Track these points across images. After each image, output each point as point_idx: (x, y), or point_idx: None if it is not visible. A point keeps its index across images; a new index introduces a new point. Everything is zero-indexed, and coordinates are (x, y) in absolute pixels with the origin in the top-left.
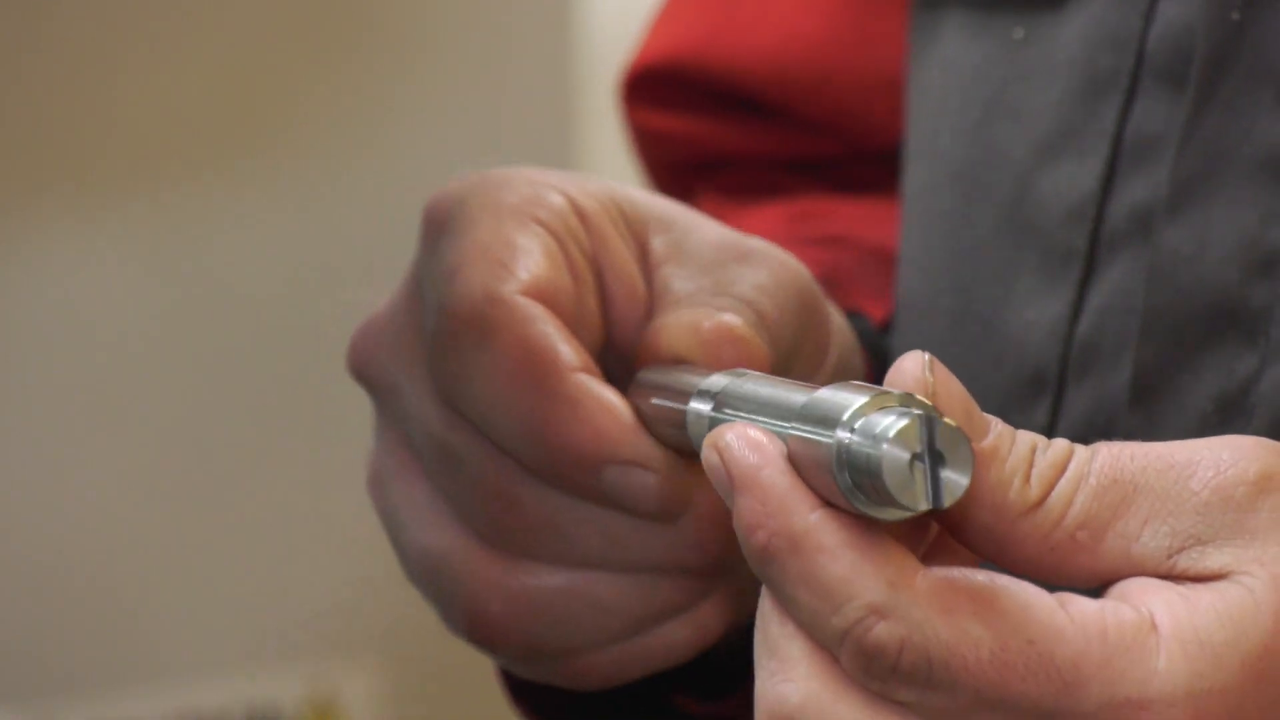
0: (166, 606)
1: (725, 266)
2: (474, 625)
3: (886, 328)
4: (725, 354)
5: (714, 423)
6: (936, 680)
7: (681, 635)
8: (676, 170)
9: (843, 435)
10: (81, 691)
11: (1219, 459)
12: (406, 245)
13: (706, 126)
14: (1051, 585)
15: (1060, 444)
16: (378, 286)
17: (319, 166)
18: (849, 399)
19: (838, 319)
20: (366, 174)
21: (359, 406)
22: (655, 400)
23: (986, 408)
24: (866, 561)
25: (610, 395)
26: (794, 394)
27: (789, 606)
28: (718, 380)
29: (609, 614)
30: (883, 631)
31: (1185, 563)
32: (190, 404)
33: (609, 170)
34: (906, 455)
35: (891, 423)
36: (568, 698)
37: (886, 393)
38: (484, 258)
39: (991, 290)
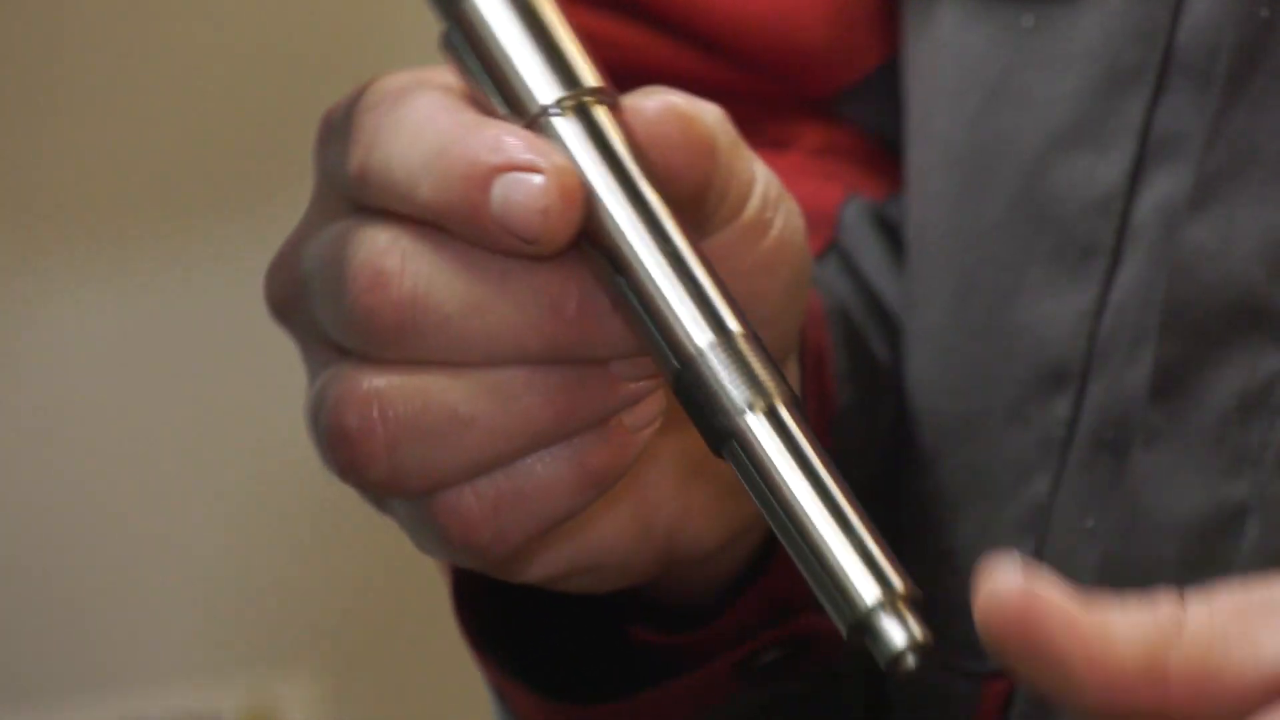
0: (107, 616)
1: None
2: (334, 446)
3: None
4: (669, 134)
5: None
6: None
7: (562, 477)
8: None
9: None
10: (22, 701)
11: None
12: None
13: (635, 35)
14: None
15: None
16: None
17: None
18: (862, 597)
19: (762, 170)
20: None
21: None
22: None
23: (997, 400)
24: None
25: (513, 125)
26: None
27: None
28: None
29: (466, 425)
30: None
31: None
32: (136, 420)
33: None
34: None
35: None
36: (521, 632)
37: (892, 588)
38: (404, 75)
39: (998, 278)
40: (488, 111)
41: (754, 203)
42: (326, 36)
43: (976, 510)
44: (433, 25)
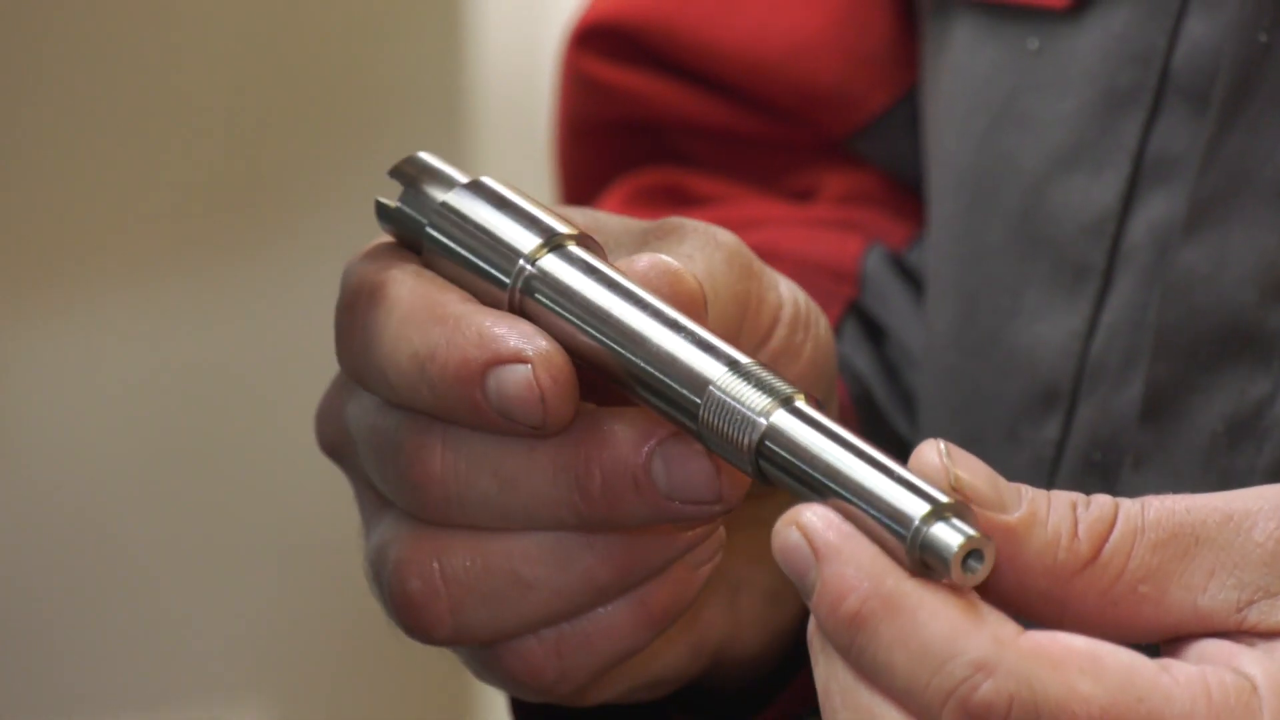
0: (57, 649)
1: (648, 242)
2: (400, 610)
3: (836, 337)
4: (659, 291)
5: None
6: None
7: (624, 620)
8: (611, 130)
9: (914, 541)
10: None
11: (1279, 509)
12: None
13: (659, 87)
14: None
15: (1103, 499)
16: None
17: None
18: (909, 509)
19: (790, 292)
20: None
21: (259, 454)
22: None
23: (994, 419)
24: (968, 619)
25: (493, 310)
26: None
27: (880, 675)
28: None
29: (529, 587)
30: (990, 689)
31: (1256, 616)
32: (110, 462)
33: None
34: (961, 559)
35: (951, 540)
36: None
37: (939, 501)
38: (370, 250)
39: (999, 300)
40: (467, 287)
41: (780, 332)
42: (340, 53)
43: None
44: (430, 27)
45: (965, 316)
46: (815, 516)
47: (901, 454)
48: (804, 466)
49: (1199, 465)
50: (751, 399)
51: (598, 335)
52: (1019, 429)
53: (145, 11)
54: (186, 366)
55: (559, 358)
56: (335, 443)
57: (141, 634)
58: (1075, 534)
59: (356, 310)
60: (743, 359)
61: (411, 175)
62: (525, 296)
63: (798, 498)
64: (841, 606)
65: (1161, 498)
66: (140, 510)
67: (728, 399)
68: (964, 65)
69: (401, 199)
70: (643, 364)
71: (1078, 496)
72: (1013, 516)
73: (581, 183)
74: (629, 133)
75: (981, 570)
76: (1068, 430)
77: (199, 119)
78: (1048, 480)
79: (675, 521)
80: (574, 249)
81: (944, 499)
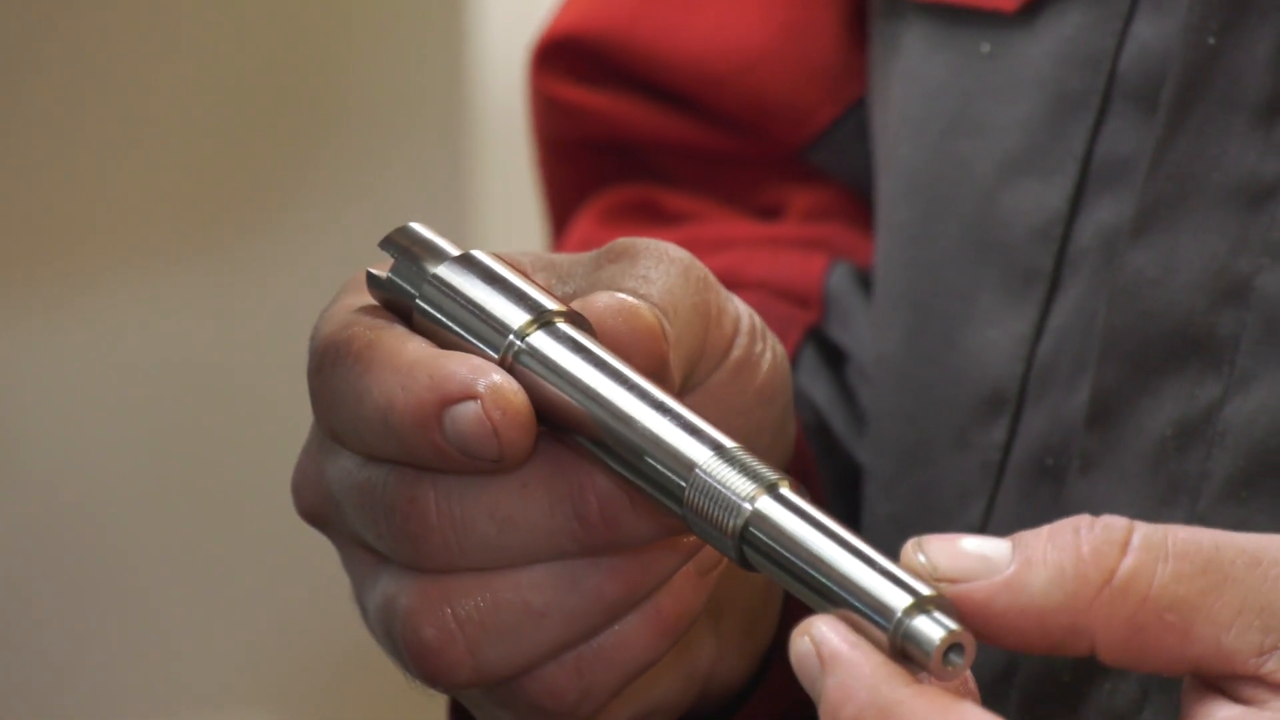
0: (66, 659)
1: (601, 268)
2: (418, 660)
3: (793, 366)
4: (618, 329)
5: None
6: None
7: (639, 632)
8: (583, 148)
9: (895, 635)
10: None
11: None
12: None
13: (616, 104)
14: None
15: (1113, 520)
16: None
17: (292, 243)
18: (891, 602)
19: (744, 307)
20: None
21: (257, 467)
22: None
23: (945, 425)
24: None
25: (443, 351)
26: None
27: None
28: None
29: (542, 615)
30: None
31: (1273, 665)
32: (109, 463)
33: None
34: (943, 653)
35: (933, 634)
36: None
37: (921, 595)
38: (335, 308)
39: (951, 306)
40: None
41: (741, 340)
42: (329, 47)
43: (922, 534)
44: (431, 27)
45: (918, 323)
46: (825, 627)
47: (855, 477)
48: (787, 554)
49: (1148, 470)
50: (736, 484)
51: (583, 413)
52: (968, 434)
53: (143, 6)
54: (184, 363)
55: (507, 388)
56: (316, 507)
57: (142, 641)
58: (1080, 556)
59: (324, 372)
60: (728, 443)
61: (403, 246)
62: (515, 371)
63: (780, 584)
64: (840, 715)
65: (1185, 528)
66: (139, 515)
67: (713, 482)
68: (917, 70)
69: (393, 270)
70: (628, 445)
71: (1083, 518)
72: (1007, 573)
73: (562, 199)
74: (599, 151)
75: (962, 664)
76: (1014, 434)
77: (196, 111)
78: (993, 484)
79: (675, 534)
80: (562, 326)
81: (926, 591)
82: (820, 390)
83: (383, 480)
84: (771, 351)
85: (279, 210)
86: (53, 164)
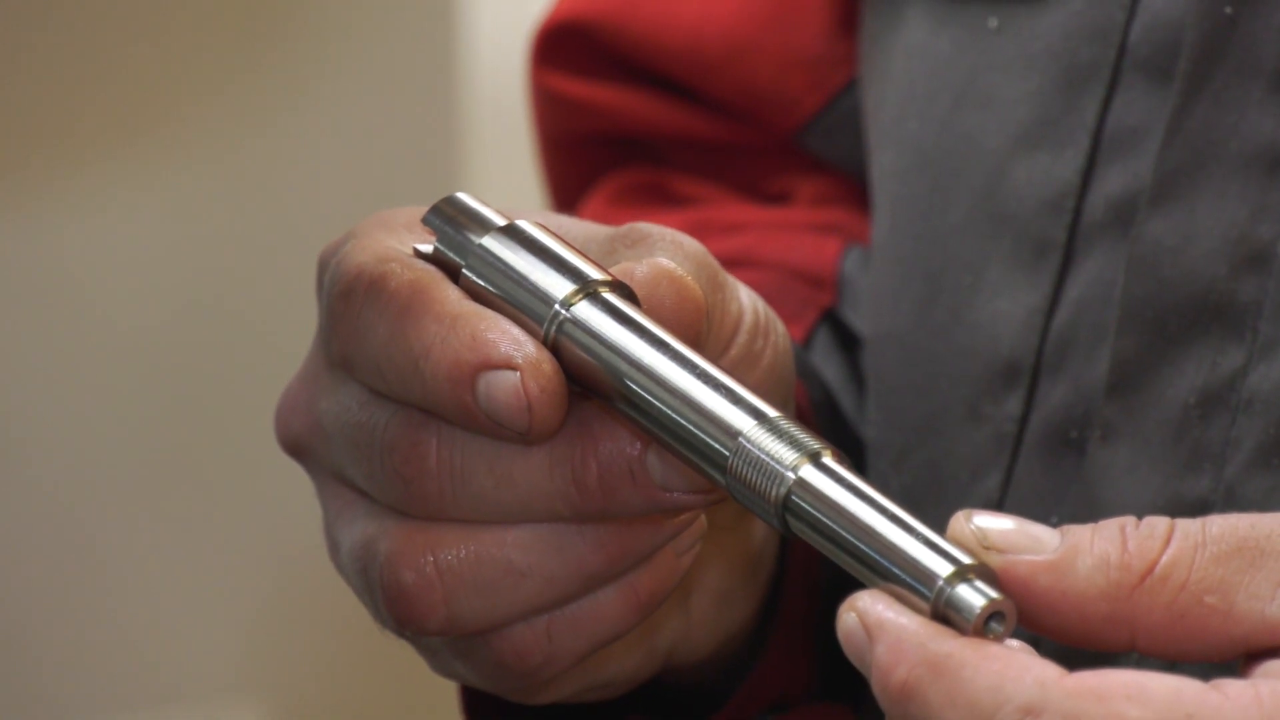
0: (54, 650)
1: (616, 251)
2: (392, 603)
3: (806, 346)
4: (664, 297)
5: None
6: None
7: (613, 604)
8: (586, 143)
9: (938, 602)
10: None
11: None
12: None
13: (619, 97)
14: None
15: (1156, 520)
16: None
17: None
18: (934, 569)
19: (749, 300)
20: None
21: (252, 440)
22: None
23: (956, 397)
24: (1010, 669)
25: (488, 311)
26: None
27: None
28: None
29: (523, 575)
30: None
31: None
32: (79, 436)
33: (495, 183)
34: (984, 620)
35: (975, 601)
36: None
37: (963, 563)
38: (377, 229)
39: (961, 278)
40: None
41: (741, 338)
42: None
43: (935, 508)
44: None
45: (927, 296)
46: (868, 599)
47: (860, 454)
48: (830, 523)
49: (1170, 438)
50: (780, 452)
51: (628, 382)
52: (980, 406)
53: None
54: (172, 343)
55: (548, 366)
56: (301, 437)
57: (137, 634)
58: (1125, 549)
59: (353, 298)
60: (771, 412)
61: (449, 215)
62: (559, 341)
63: (822, 552)
64: (892, 678)
65: (1223, 516)
66: (134, 509)
67: (757, 451)
68: (922, 46)
69: (439, 240)
70: (673, 413)
71: (1128, 519)
72: (1053, 553)
73: (566, 191)
74: (601, 144)
75: (1003, 631)
76: (1030, 405)
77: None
78: (1010, 456)
79: (668, 511)
80: (607, 295)
81: (968, 560)
82: (832, 370)
83: (385, 419)
84: (772, 349)
85: (272, 122)
86: (54, 59)
